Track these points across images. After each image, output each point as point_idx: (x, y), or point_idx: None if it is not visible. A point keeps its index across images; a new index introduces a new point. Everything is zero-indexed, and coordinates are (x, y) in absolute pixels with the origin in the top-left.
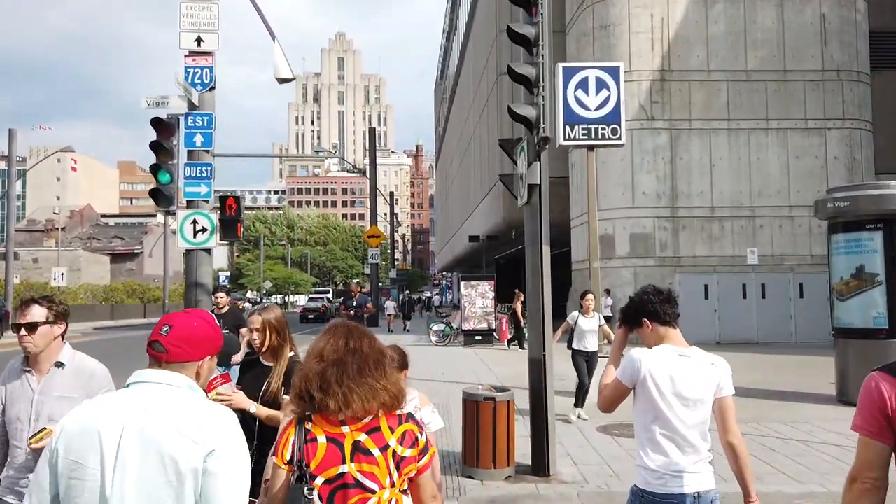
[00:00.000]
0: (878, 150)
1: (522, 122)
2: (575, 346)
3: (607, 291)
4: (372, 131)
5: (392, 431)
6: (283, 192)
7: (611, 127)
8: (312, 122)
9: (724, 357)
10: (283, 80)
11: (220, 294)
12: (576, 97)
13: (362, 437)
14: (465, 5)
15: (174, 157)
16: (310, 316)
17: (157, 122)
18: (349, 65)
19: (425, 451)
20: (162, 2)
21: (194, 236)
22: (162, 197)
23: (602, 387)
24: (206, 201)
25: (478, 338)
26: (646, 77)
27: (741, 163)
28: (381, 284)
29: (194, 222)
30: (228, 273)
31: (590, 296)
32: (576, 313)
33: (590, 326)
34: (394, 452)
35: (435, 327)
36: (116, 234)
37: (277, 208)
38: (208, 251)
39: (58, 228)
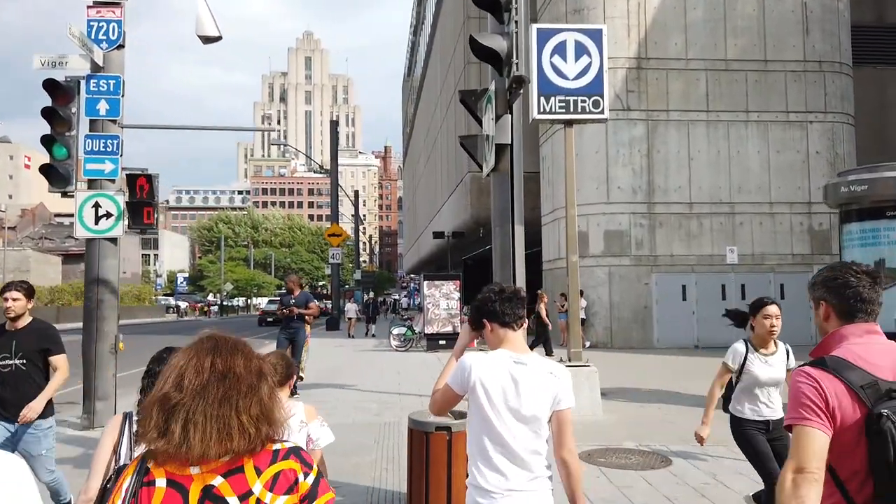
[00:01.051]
0: (857, 148)
1: (489, 59)
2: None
3: (581, 292)
4: (334, 123)
5: (259, 473)
6: (248, 192)
7: (592, 99)
8: (279, 122)
9: (703, 361)
10: (207, 39)
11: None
12: (552, 64)
13: (217, 481)
14: None
15: (73, 128)
16: (268, 319)
17: (51, 86)
18: (317, 64)
19: (312, 496)
20: None
21: (96, 223)
22: (56, 175)
23: (435, 389)
24: (112, 181)
25: (442, 342)
26: (621, 65)
27: (720, 156)
28: (347, 287)
29: (96, 206)
30: (187, 274)
31: (770, 308)
32: (741, 347)
33: (769, 374)
34: (258, 501)
35: (395, 331)
36: (70, 234)
37: (242, 209)
38: (113, 240)
39: (4, 227)
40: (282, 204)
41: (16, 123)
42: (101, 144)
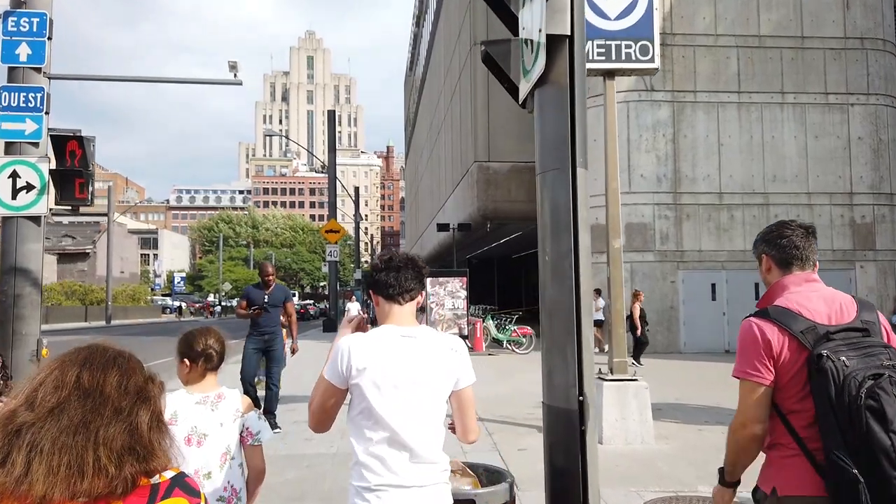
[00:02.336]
0: None
1: None
2: None
3: (598, 292)
4: (332, 113)
5: None
6: (249, 192)
7: (639, 44)
8: (280, 122)
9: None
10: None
11: None
12: (590, 0)
13: None
14: None
15: None
16: None
17: None
18: (319, 64)
19: None
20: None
21: (13, 197)
22: None
23: (310, 399)
24: (35, 144)
25: None
26: None
27: (753, 142)
28: (348, 286)
29: (14, 175)
30: (184, 274)
31: None
32: None
33: None
34: None
35: None
36: (67, 234)
37: (242, 209)
38: (36, 219)
39: None
40: (283, 204)
41: None
42: (21, 98)
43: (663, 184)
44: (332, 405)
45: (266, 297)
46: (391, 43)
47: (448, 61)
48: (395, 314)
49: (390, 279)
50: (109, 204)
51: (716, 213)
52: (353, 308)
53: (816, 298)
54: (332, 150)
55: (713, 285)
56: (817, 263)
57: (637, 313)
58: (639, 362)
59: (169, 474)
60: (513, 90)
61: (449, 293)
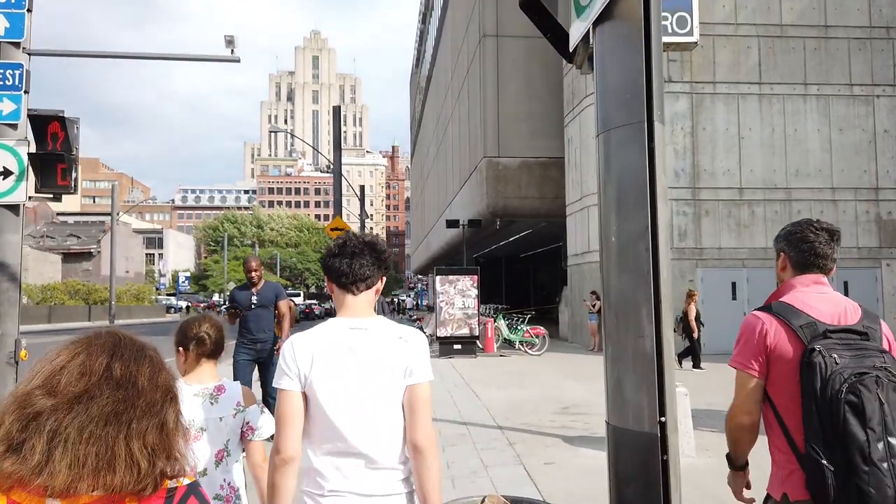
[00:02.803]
0: None
1: None
2: None
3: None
4: (336, 108)
5: None
6: (254, 191)
7: (676, 15)
8: (286, 121)
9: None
10: None
11: None
12: None
13: None
14: None
15: None
16: None
17: None
18: (324, 63)
19: None
20: (134, 3)
21: None
22: None
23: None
24: (13, 126)
25: (457, 347)
26: None
27: (774, 135)
28: None
29: None
30: (188, 274)
31: None
32: None
33: None
34: None
35: None
36: (72, 233)
37: (247, 208)
38: (14, 208)
39: None
40: (288, 203)
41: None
42: None
43: (681, 179)
44: (294, 420)
45: (254, 297)
46: (396, 44)
47: (456, 55)
48: (348, 305)
49: (343, 266)
50: (113, 203)
51: (736, 209)
52: None
53: (822, 300)
54: (338, 146)
55: (733, 284)
56: (833, 268)
57: (692, 315)
58: (699, 366)
59: (185, 481)
60: (559, 40)
61: (459, 291)
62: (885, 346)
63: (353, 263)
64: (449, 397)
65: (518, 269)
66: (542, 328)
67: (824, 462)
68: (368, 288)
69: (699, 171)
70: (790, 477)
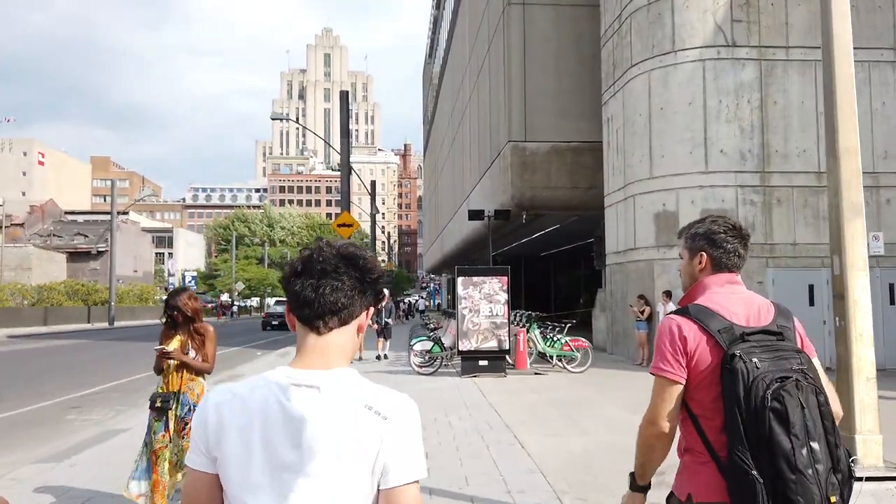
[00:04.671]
0: None
1: None
2: None
3: (668, 294)
4: (344, 94)
5: None
6: (265, 190)
7: None
8: (297, 119)
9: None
10: None
11: None
12: None
13: None
14: None
15: None
16: (273, 322)
17: None
18: (336, 61)
19: None
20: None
21: None
22: None
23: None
24: None
25: (483, 363)
26: None
27: (860, 110)
28: None
29: None
30: (195, 273)
31: None
32: None
33: None
34: None
35: (418, 346)
36: (80, 232)
37: (258, 207)
38: None
39: (7, 225)
40: (299, 202)
41: (41, 127)
42: None
43: (748, 161)
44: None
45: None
46: (408, 44)
47: (475, 31)
48: (306, 349)
49: (306, 291)
50: (112, 200)
51: (814, 198)
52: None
53: (736, 300)
54: (346, 134)
55: (811, 287)
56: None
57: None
58: None
59: None
60: None
61: (485, 296)
62: (799, 345)
63: (319, 286)
64: (484, 447)
65: (538, 270)
66: (584, 340)
67: (754, 473)
68: (344, 323)
69: (769, 153)
70: (696, 478)
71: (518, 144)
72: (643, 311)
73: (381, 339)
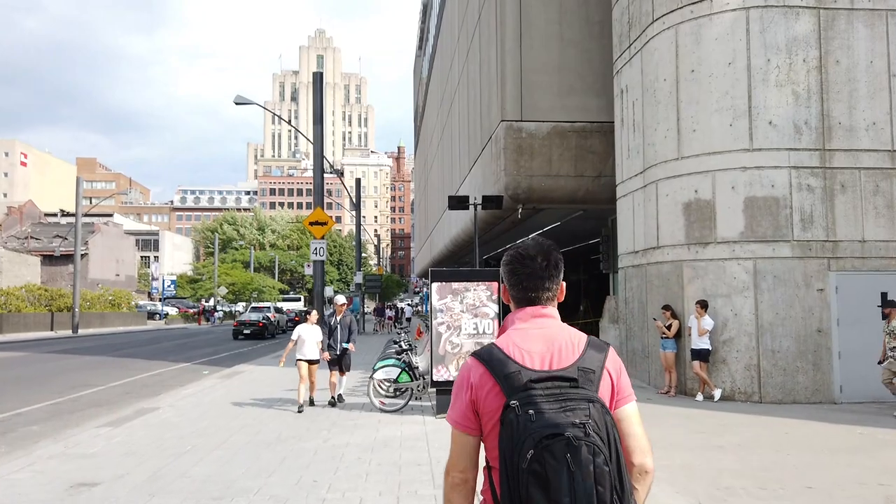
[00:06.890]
0: None
1: None
2: None
3: (703, 305)
4: (318, 75)
5: None
6: (255, 192)
7: None
8: (290, 122)
9: None
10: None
11: None
12: None
13: None
14: None
15: None
16: (245, 332)
17: None
18: (329, 63)
19: None
20: (143, 8)
21: None
22: None
23: None
24: None
25: None
26: None
27: None
28: (334, 291)
29: None
30: (174, 277)
31: None
32: None
33: None
34: None
35: (380, 373)
36: (59, 234)
37: (248, 209)
38: None
39: None
40: (290, 205)
41: (35, 131)
42: None
43: (805, 136)
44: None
45: None
46: (403, 48)
47: (463, 12)
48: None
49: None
50: (77, 197)
51: (887, 183)
52: (314, 333)
53: (537, 337)
54: (318, 121)
55: (884, 295)
56: (557, 296)
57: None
58: None
59: None
60: None
61: (469, 308)
62: (607, 385)
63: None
64: None
65: None
66: None
67: None
68: None
69: (831, 125)
70: None
71: (513, 125)
72: (670, 325)
73: (337, 373)
